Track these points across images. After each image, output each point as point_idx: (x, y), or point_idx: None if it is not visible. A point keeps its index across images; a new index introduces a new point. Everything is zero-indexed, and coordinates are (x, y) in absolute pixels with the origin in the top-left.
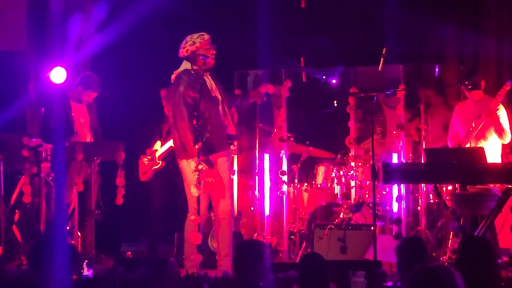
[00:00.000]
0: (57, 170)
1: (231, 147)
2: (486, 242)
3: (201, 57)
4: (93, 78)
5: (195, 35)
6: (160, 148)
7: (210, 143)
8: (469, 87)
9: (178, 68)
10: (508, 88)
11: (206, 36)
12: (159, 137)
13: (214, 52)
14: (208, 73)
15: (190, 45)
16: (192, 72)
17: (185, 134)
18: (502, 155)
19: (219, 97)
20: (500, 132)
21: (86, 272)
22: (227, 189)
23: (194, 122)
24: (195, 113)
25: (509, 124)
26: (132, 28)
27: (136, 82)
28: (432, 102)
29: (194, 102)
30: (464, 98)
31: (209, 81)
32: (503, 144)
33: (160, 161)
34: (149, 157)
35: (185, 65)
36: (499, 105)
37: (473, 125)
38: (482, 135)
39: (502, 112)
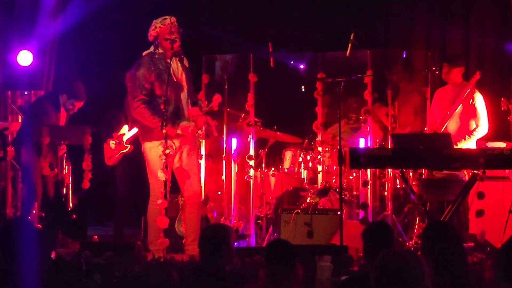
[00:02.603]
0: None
1: (199, 131)
2: (450, 226)
3: (168, 41)
4: (79, 86)
5: (159, 20)
6: (127, 132)
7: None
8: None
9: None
10: (478, 77)
11: (168, 20)
12: (126, 121)
13: (178, 36)
14: (177, 59)
15: (153, 30)
16: (156, 56)
17: (139, 113)
18: (477, 142)
19: (184, 84)
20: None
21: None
22: (194, 174)
23: (162, 106)
24: (163, 97)
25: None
26: (98, 11)
27: (103, 65)
28: (403, 89)
29: (151, 86)
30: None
31: (176, 67)
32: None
33: (128, 145)
34: (117, 141)
35: (152, 48)
36: (472, 93)
37: (448, 112)
38: (458, 121)
39: (478, 100)
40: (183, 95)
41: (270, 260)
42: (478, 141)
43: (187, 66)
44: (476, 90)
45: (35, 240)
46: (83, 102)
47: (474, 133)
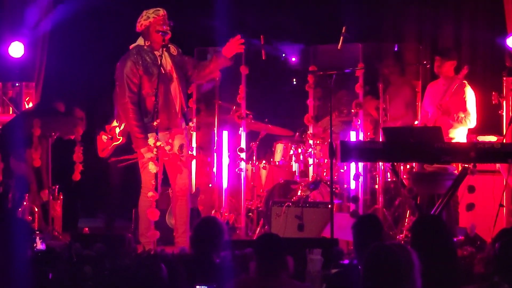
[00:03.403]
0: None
1: (190, 124)
2: (440, 220)
3: (160, 33)
4: (82, 116)
5: (151, 10)
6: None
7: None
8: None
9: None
10: (466, 71)
11: (162, 12)
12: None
13: (169, 28)
14: (164, 49)
15: (144, 20)
16: (145, 47)
17: (124, 111)
18: (468, 136)
19: (174, 75)
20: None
21: (40, 246)
22: (185, 166)
23: (153, 99)
24: (152, 90)
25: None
26: (89, 2)
27: (95, 57)
28: (394, 82)
29: (140, 80)
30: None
31: (164, 58)
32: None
33: (121, 137)
34: (109, 135)
35: (140, 40)
36: (463, 87)
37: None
38: (448, 115)
39: (468, 94)
40: (173, 86)
41: (260, 254)
42: (468, 134)
43: (175, 54)
44: (467, 84)
45: (25, 232)
46: (81, 132)
47: (466, 120)
